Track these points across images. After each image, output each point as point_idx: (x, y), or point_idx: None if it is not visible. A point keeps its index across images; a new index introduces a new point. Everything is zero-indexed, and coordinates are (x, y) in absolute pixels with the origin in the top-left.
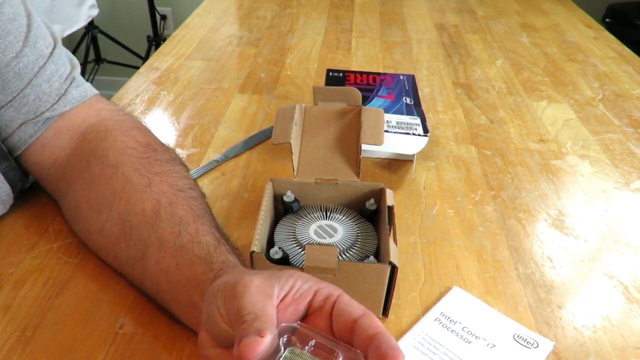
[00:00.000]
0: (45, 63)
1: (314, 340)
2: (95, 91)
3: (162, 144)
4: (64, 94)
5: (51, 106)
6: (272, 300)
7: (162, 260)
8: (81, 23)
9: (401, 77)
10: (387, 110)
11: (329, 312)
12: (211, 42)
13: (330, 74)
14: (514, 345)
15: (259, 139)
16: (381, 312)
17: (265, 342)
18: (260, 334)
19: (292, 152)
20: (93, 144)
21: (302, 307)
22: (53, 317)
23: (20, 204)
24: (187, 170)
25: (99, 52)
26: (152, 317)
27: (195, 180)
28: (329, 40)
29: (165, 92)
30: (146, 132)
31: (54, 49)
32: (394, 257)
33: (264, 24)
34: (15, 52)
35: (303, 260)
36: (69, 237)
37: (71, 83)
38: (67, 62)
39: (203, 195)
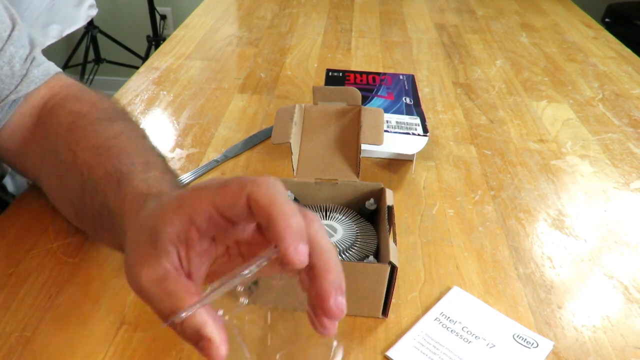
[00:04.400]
0: (4, 45)
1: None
2: (58, 69)
3: (94, 100)
4: (26, 74)
5: (15, 88)
6: (177, 280)
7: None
8: (80, 23)
9: (401, 77)
10: (386, 110)
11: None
12: (211, 42)
13: (330, 73)
14: (514, 345)
15: (259, 139)
16: (381, 312)
17: (217, 345)
18: (207, 345)
19: (292, 152)
20: (42, 129)
21: (206, 246)
22: (52, 317)
23: (19, 204)
24: (112, 102)
25: (98, 52)
26: (152, 317)
27: (112, 102)
28: (329, 40)
29: (165, 92)
30: (83, 98)
31: (12, 30)
32: (393, 257)
33: (263, 24)
34: None
35: None
36: (68, 237)
37: (32, 63)
38: (26, 44)
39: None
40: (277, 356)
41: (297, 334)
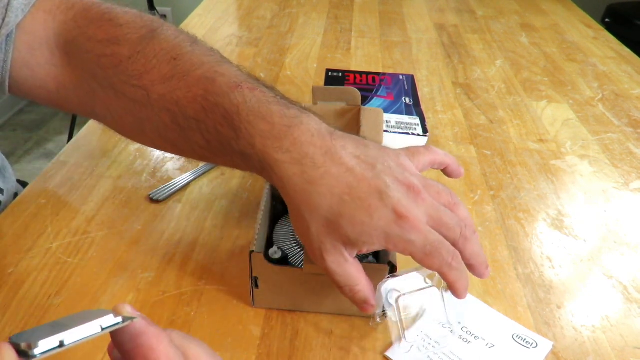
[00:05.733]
0: None
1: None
2: None
3: (121, 23)
4: (8, 3)
5: (3, 22)
6: (352, 265)
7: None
8: None
9: (400, 77)
10: (386, 110)
11: None
12: (211, 42)
13: (330, 73)
14: (513, 345)
15: None
16: (381, 312)
17: (374, 307)
18: (365, 304)
19: None
20: (79, 59)
21: None
22: (52, 317)
23: (19, 204)
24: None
25: None
26: (151, 317)
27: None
28: (329, 40)
29: None
30: (101, 21)
31: None
32: (393, 257)
33: (263, 24)
34: None
35: (302, 260)
36: (67, 237)
37: None
38: None
39: (193, 40)
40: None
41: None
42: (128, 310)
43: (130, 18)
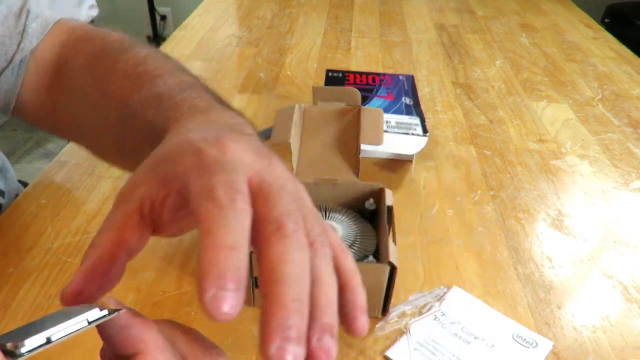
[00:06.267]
0: None
1: None
2: (56, 17)
3: (103, 35)
4: (24, 29)
5: (17, 47)
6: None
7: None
8: None
9: (400, 77)
10: (386, 111)
11: None
12: (211, 42)
13: (330, 74)
14: (513, 345)
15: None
16: (381, 312)
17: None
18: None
19: (291, 152)
20: (69, 77)
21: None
22: None
23: (19, 204)
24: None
25: None
26: (151, 317)
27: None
28: (329, 40)
29: None
30: (95, 38)
31: None
32: (393, 257)
33: (263, 24)
34: None
35: None
36: (68, 237)
37: (27, 17)
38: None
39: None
40: None
41: None
42: (113, 303)
43: (118, 37)
